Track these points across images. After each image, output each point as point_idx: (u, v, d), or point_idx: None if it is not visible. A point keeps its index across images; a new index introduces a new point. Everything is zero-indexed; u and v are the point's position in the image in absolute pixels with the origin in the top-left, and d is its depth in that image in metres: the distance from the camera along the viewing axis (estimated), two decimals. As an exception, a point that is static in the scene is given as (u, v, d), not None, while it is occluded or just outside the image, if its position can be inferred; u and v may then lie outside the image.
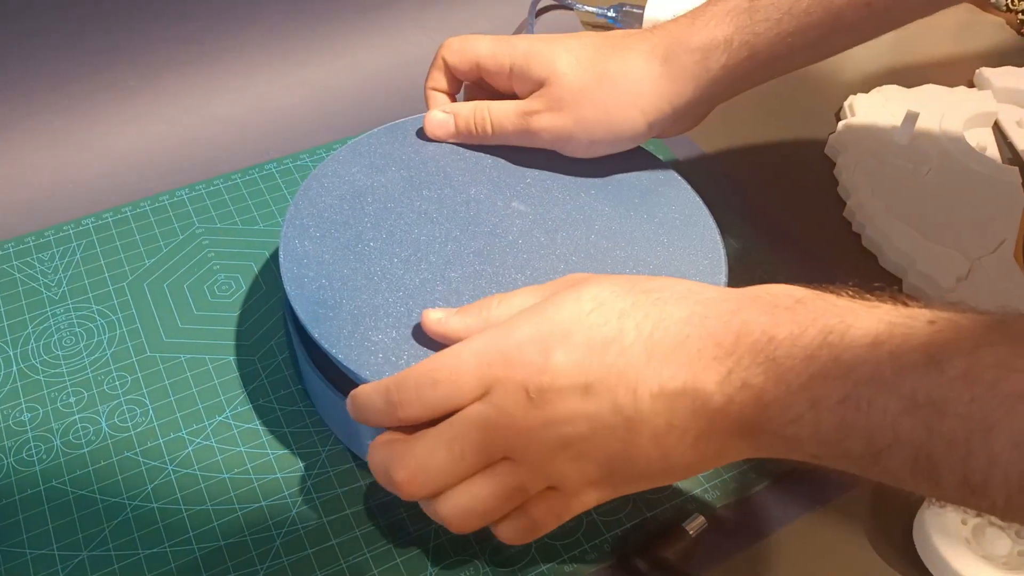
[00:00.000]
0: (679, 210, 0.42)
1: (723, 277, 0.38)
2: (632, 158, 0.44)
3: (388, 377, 0.32)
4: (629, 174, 0.43)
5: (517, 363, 0.30)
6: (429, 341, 0.35)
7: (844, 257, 0.47)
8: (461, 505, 0.31)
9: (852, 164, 0.50)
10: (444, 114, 0.43)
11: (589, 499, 0.32)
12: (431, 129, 0.43)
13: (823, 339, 0.27)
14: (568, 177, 0.43)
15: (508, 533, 0.32)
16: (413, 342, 0.35)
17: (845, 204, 0.50)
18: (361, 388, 0.33)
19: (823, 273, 0.46)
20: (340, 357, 0.35)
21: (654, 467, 0.30)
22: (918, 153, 0.51)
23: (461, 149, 0.44)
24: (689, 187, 0.43)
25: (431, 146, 0.44)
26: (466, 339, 0.32)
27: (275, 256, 0.46)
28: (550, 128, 0.41)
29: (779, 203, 0.50)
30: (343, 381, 0.36)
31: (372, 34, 0.56)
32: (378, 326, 0.36)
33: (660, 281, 0.32)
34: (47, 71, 0.50)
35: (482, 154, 0.44)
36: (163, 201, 0.49)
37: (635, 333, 0.30)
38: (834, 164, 0.52)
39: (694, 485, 0.38)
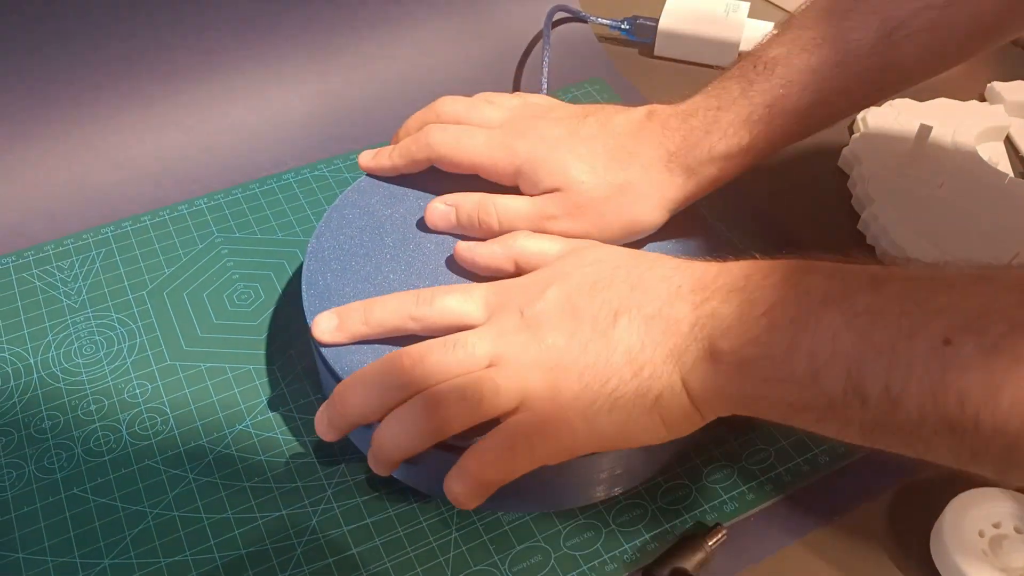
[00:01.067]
0: (698, 243, 0.42)
1: None
2: None
3: (411, 291, 0.37)
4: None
5: (518, 293, 0.35)
6: None
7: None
8: (434, 392, 0.33)
9: (866, 177, 0.51)
10: (445, 206, 0.41)
11: (561, 432, 0.32)
12: (431, 219, 0.41)
13: (789, 274, 0.31)
14: None
15: (480, 456, 0.33)
16: None
17: (859, 216, 0.50)
18: (384, 298, 0.37)
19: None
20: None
21: (626, 388, 0.32)
22: (931, 166, 0.51)
23: (478, 178, 0.44)
24: (706, 219, 0.43)
25: (451, 174, 0.45)
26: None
27: (294, 265, 0.47)
28: (568, 232, 0.40)
29: (793, 215, 0.51)
30: None
31: (389, 45, 0.57)
32: None
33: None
34: (66, 80, 0.51)
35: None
36: (182, 210, 0.50)
37: (624, 275, 0.34)
38: (847, 177, 0.53)
39: (713, 496, 0.38)
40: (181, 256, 0.47)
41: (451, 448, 0.34)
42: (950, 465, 0.28)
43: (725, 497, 0.38)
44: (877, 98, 0.42)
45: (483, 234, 0.41)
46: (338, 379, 0.36)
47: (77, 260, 0.47)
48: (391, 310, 0.37)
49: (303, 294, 0.39)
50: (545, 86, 0.54)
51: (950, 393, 0.26)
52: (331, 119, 0.55)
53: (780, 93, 0.39)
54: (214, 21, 0.53)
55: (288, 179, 0.51)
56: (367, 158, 0.45)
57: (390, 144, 0.45)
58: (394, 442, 0.34)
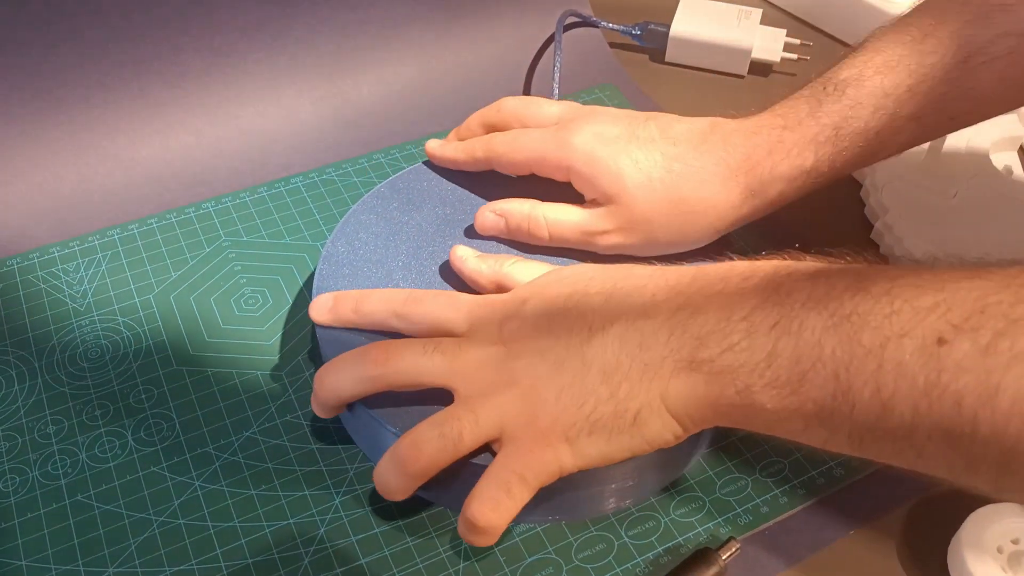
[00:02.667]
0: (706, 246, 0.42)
1: None
2: None
3: (405, 290, 0.38)
4: None
5: (499, 308, 0.35)
6: (443, 390, 0.35)
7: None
8: (414, 435, 0.33)
9: (879, 186, 0.50)
10: (495, 216, 0.41)
11: (547, 457, 0.32)
12: (481, 227, 0.42)
13: (769, 277, 0.30)
14: None
15: (480, 504, 0.32)
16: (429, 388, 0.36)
17: (873, 226, 0.50)
18: (380, 291, 0.38)
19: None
20: (379, 417, 0.36)
21: (604, 410, 0.31)
22: (945, 176, 0.51)
23: (498, 187, 0.44)
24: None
25: (468, 182, 0.45)
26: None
27: (302, 270, 0.46)
28: (617, 246, 0.40)
29: (806, 223, 0.50)
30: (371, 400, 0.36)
31: (399, 48, 0.56)
32: None
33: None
34: (73, 81, 0.50)
35: (521, 191, 0.44)
36: (189, 213, 0.49)
37: (599, 286, 0.34)
38: (860, 186, 0.52)
39: (726, 509, 0.37)
40: (188, 260, 0.47)
41: (472, 466, 0.34)
42: (942, 476, 0.27)
43: (739, 510, 0.37)
44: (949, 127, 0.40)
45: (533, 243, 0.41)
46: (372, 417, 0.36)
47: (83, 263, 0.47)
48: (380, 303, 0.37)
49: (313, 296, 0.39)
50: (556, 91, 0.53)
51: (946, 395, 0.25)
52: (341, 123, 0.54)
53: (848, 115, 0.37)
54: (224, 24, 0.52)
55: (297, 183, 0.51)
56: (434, 145, 0.45)
57: (448, 137, 0.46)
58: (384, 487, 0.34)
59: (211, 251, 0.47)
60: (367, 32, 0.56)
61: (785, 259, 0.32)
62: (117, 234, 0.48)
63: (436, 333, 0.36)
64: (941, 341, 0.25)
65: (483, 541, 0.33)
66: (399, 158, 0.53)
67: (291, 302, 0.45)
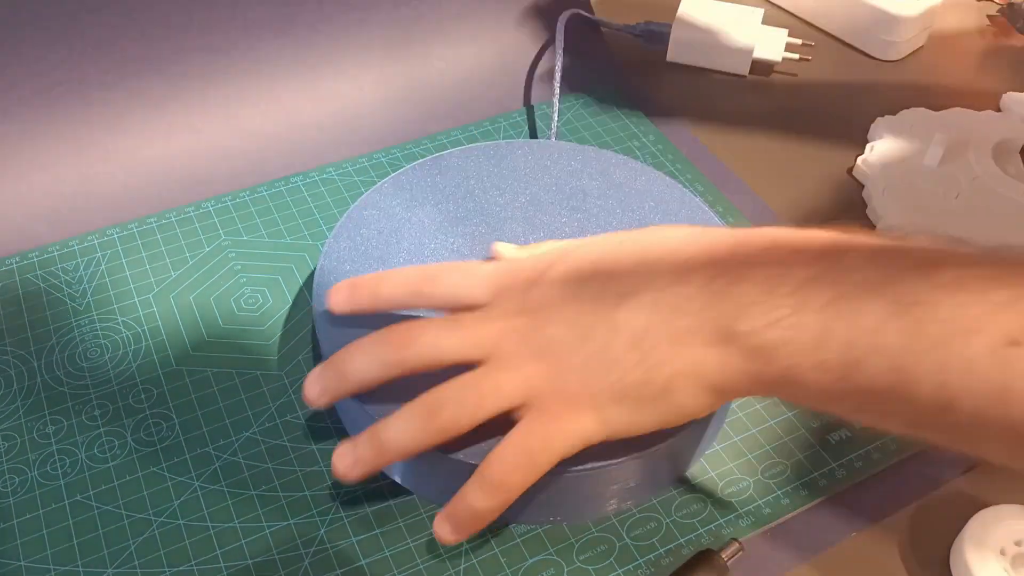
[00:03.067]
0: None
1: None
2: (672, 200, 0.44)
3: (421, 267, 0.36)
4: (667, 217, 0.43)
5: (521, 275, 0.33)
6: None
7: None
8: (436, 395, 0.32)
9: (880, 187, 0.50)
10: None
11: (573, 425, 0.31)
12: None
13: (823, 251, 0.28)
14: (605, 218, 0.43)
15: (491, 478, 0.32)
16: (425, 385, 0.36)
17: (875, 227, 0.49)
18: (395, 272, 0.36)
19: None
20: (359, 397, 0.35)
21: (632, 378, 0.30)
22: (947, 177, 0.51)
23: (501, 185, 0.44)
24: (716, 219, 0.43)
25: (471, 181, 0.45)
26: None
27: (302, 270, 0.46)
28: None
29: (808, 224, 0.50)
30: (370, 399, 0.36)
31: (398, 48, 0.56)
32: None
33: None
34: (73, 80, 0.50)
35: (520, 190, 0.44)
36: (189, 212, 0.49)
37: (630, 249, 0.32)
38: (862, 187, 0.52)
39: (729, 510, 0.37)
40: (188, 259, 0.47)
41: (472, 467, 0.34)
42: (998, 462, 0.26)
43: (741, 511, 0.37)
44: None
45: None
46: (351, 397, 0.36)
47: (82, 262, 0.46)
48: (398, 284, 0.36)
49: (314, 292, 0.39)
50: (557, 91, 0.53)
51: (1016, 401, 0.23)
52: (341, 122, 0.54)
53: None
54: (225, 23, 0.52)
55: (297, 182, 0.51)
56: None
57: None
58: (396, 443, 0.33)
59: (211, 250, 0.47)
60: (368, 31, 0.55)
61: (840, 231, 0.29)
62: (117, 233, 0.48)
63: (458, 307, 0.34)
64: (1014, 343, 0.23)
65: (493, 509, 0.32)
66: (400, 157, 0.52)
67: (291, 302, 0.45)
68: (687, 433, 0.35)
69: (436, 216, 0.43)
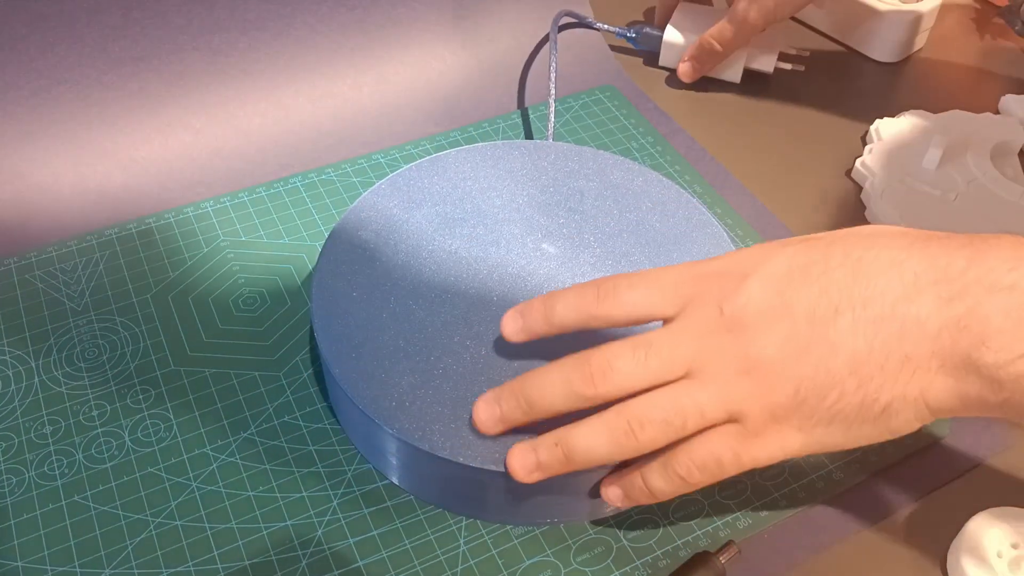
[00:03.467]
0: (708, 252, 0.41)
1: None
2: (670, 201, 0.44)
3: (591, 284, 0.33)
4: (665, 218, 0.43)
5: (714, 283, 0.31)
6: (441, 389, 0.36)
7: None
8: (637, 413, 0.31)
9: (879, 189, 0.50)
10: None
11: (773, 443, 0.30)
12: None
13: None
14: (602, 219, 0.43)
15: (677, 468, 0.31)
16: (426, 389, 0.36)
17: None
18: (564, 294, 0.34)
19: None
20: (356, 399, 0.35)
21: (848, 402, 0.28)
22: (945, 179, 0.51)
23: (499, 186, 0.44)
24: (725, 234, 0.42)
25: (469, 182, 0.45)
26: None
27: (300, 271, 0.46)
28: None
29: (806, 225, 0.50)
30: None
31: (398, 49, 0.56)
32: (395, 369, 0.36)
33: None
34: (72, 80, 0.50)
35: (518, 191, 0.44)
36: (187, 213, 0.49)
37: (841, 258, 0.29)
38: (860, 188, 0.52)
39: (726, 512, 0.37)
40: (186, 260, 0.47)
41: (468, 468, 0.34)
42: None
43: (738, 513, 0.37)
44: None
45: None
46: (348, 399, 0.36)
47: (80, 262, 0.46)
48: (571, 307, 0.33)
49: (312, 293, 0.39)
50: (553, 92, 0.53)
51: None
52: (340, 123, 0.54)
53: None
54: (224, 23, 0.52)
55: (295, 183, 0.51)
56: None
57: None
58: (587, 454, 0.32)
59: (209, 251, 0.47)
60: (366, 32, 0.56)
61: None
62: (115, 234, 0.48)
63: (641, 322, 0.32)
64: None
65: (666, 495, 0.32)
66: (398, 158, 0.52)
67: (289, 303, 0.45)
68: None
69: (434, 217, 0.43)
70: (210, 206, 0.49)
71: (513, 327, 0.35)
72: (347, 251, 0.41)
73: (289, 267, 0.46)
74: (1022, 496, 0.38)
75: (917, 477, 0.38)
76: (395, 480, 0.38)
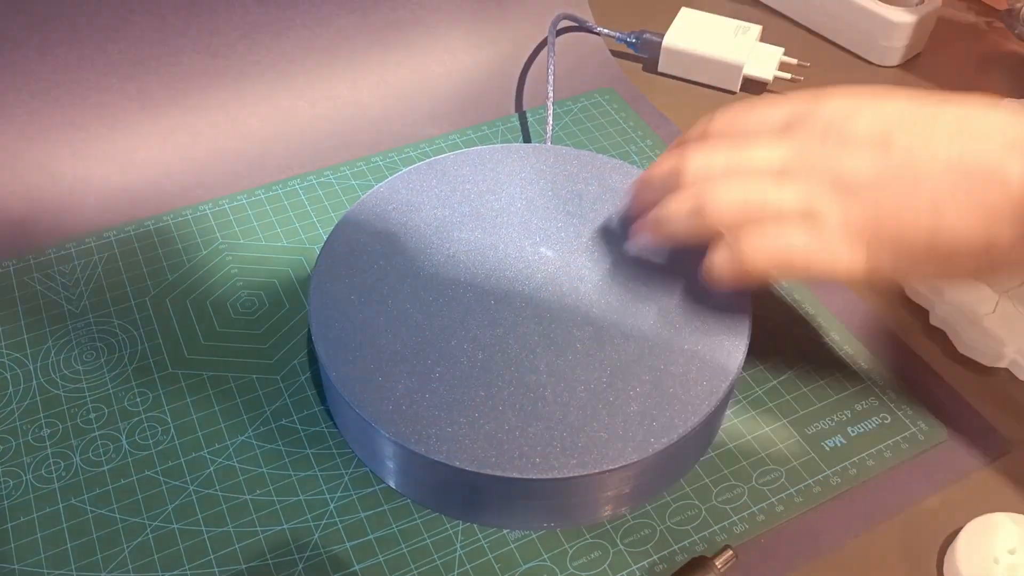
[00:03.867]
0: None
1: (745, 337, 0.38)
2: None
3: (729, 141, 0.36)
4: None
5: (827, 108, 0.34)
6: (438, 392, 0.36)
7: (871, 286, 0.47)
8: (736, 186, 0.34)
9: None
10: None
11: (841, 257, 0.33)
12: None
13: None
14: (600, 221, 0.43)
15: (760, 242, 0.34)
16: (424, 393, 0.36)
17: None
18: (663, 205, 0.37)
19: (849, 302, 0.46)
20: (353, 402, 0.36)
21: (920, 237, 0.31)
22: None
23: (497, 189, 0.44)
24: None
25: (468, 185, 0.45)
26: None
27: (299, 273, 0.46)
28: None
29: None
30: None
31: (397, 52, 0.56)
32: (392, 373, 0.36)
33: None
34: (71, 82, 0.50)
35: (516, 195, 0.44)
36: (186, 215, 0.49)
37: (952, 115, 0.32)
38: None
39: (722, 517, 0.37)
40: (185, 262, 0.47)
41: (465, 473, 0.34)
42: None
43: (735, 518, 0.37)
44: None
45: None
46: (345, 402, 0.36)
47: (79, 264, 0.46)
48: (676, 217, 0.36)
49: (310, 296, 0.39)
50: (551, 93, 0.53)
51: None
52: (339, 126, 0.54)
53: None
54: (223, 26, 0.52)
55: (294, 186, 0.51)
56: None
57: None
58: (669, 221, 0.36)
59: (208, 253, 0.47)
60: (365, 35, 0.56)
61: None
62: (113, 236, 0.48)
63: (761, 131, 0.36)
64: None
65: (724, 275, 0.35)
66: (397, 161, 0.52)
67: (287, 305, 0.45)
68: (683, 440, 0.35)
69: (432, 221, 0.43)
70: (208, 208, 0.49)
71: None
72: (345, 254, 0.41)
73: (287, 270, 0.46)
74: (1019, 501, 0.38)
75: (914, 482, 0.38)
76: (392, 484, 0.38)
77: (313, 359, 0.42)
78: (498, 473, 0.34)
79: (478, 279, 0.40)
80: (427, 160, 0.46)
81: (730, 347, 0.38)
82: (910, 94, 0.34)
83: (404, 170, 0.45)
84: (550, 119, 0.52)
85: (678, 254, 0.41)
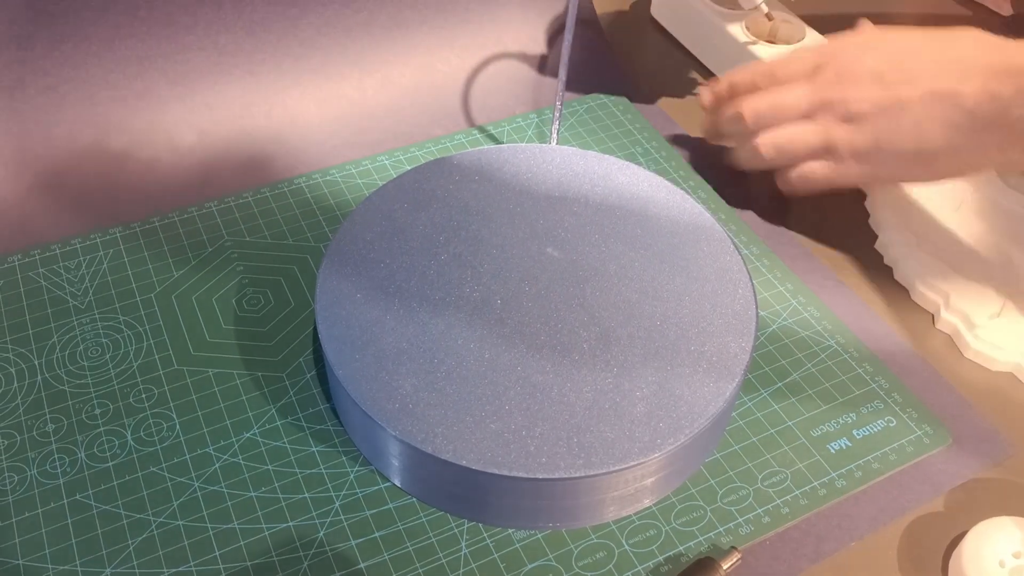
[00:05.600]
0: (715, 264, 0.41)
1: (751, 339, 0.38)
2: (675, 205, 0.44)
3: (761, 62, 0.49)
4: (670, 223, 0.43)
5: (839, 56, 0.45)
6: (445, 391, 0.36)
7: (876, 290, 0.47)
8: (777, 134, 0.46)
9: (884, 197, 0.50)
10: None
11: (853, 172, 0.45)
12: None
13: None
14: (606, 222, 0.43)
15: (790, 175, 0.47)
16: (430, 391, 0.36)
17: (877, 237, 0.50)
18: (740, 70, 0.49)
19: (855, 305, 0.46)
20: (359, 400, 0.36)
21: (908, 146, 0.42)
22: (949, 189, 0.51)
23: (504, 189, 0.45)
24: (729, 240, 0.42)
25: (475, 184, 0.45)
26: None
27: (304, 271, 0.46)
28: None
29: (810, 234, 0.50)
30: None
31: (403, 51, 0.56)
32: (399, 371, 0.37)
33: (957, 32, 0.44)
34: (78, 79, 0.50)
35: (524, 194, 0.44)
36: (192, 213, 0.49)
37: (930, 51, 0.42)
38: (866, 196, 0.52)
39: (728, 519, 0.37)
40: (190, 259, 0.47)
41: (471, 472, 0.34)
42: None
43: (740, 520, 0.37)
44: None
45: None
46: (351, 400, 0.36)
47: (84, 260, 0.46)
48: (748, 72, 0.48)
49: (316, 294, 0.39)
50: (561, 93, 0.53)
51: None
52: (345, 124, 0.54)
53: None
54: (230, 24, 0.52)
55: (300, 184, 0.51)
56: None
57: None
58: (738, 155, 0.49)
59: (213, 251, 0.47)
60: (372, 34, 0.56)
61: None
62: (120, 232, 0.48)
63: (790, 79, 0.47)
64: None
65: (752, 156, 0.47)
66: (403, 160, 0.52)
67: (293, 303, 0.45)
68: (689, 441, 0.35)
69: (439, 219, 0.43)
70: (215, 206, 0.49)
71: (708, 98, 0.50)
72: (351, 252, 0.41)
73: (293, 268, 0.46)
74: (1023, 505, 0.38)
75: (918, 485, 0.38)
76: (398, 483, 0.38)
77: (318, 357, 0.42)
78: (504, 472, 0.34)
79: (485, 278, 0.40)
80: (434, 159, 0.46)
81: (736, 349, 0.38)
82: (904, 33, 0.44)
83: (410, 169, 0.46)
84: (557, 119, 0.52)
85: (685, 256, 0.41)
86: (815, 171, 0.46)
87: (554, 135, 0.51)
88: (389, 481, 0.38)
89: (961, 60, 0.41)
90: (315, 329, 0.42)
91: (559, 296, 0.40)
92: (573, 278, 0.40)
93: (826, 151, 0.45)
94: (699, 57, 0.62)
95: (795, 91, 0.46)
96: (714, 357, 0.37)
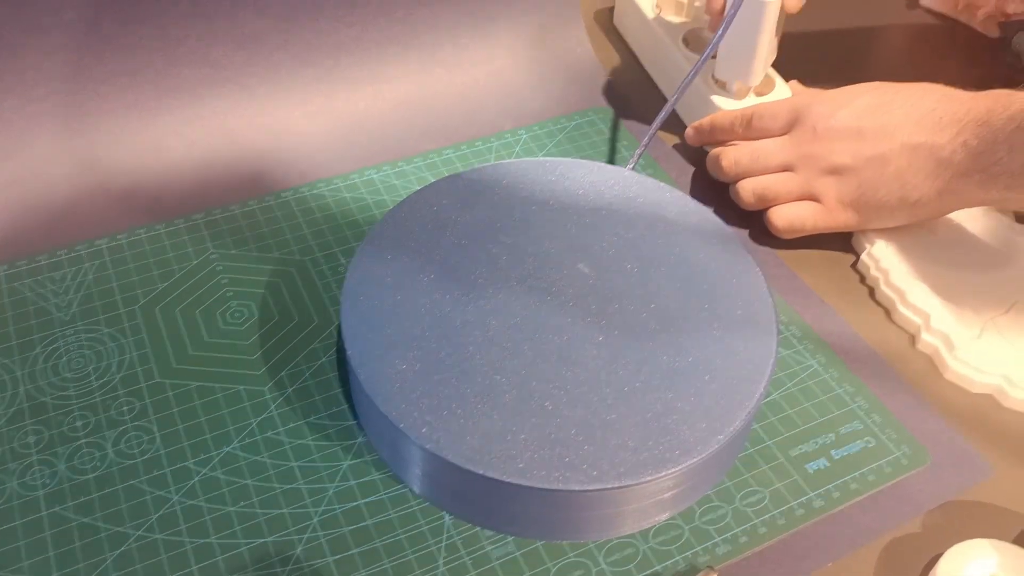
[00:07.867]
0: (744, 304, 0.41)
1: (763, 385, 0.38)
2: (716, 242, 0.44)
3: (741, 109, 0.52)
4: (706, 257, 0.43)
5: (815, 111, 0.48)
6: (451, 388, 0.36)
7: (857, 309, 0.47)
8: (757, 182, 0.49)
9: (867, 217, 0.51)
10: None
11: (839, 219, 0.48)
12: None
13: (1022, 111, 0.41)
14: (644, 248, 0.43)
15: (773, 220, 0.49)
16: (440, 387, 0.36)
17: (859, 256, 0.50)
18: (721, 114, 0.53)
19: (836, 324, 0.46)
20: (366, 387, 0.36)
21: (891, 197, 0.46)
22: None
23: (552, 201, 0.45)
24: (765, 285, 0.42)
25: (524, 192, 0.45)
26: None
27: (289, 285, 0.46)
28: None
29: (792, 253, 0.50)
30: None
31: (393, 66, 0.57)
32: (405, 357, 0.37)
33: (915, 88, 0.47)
34: (67, 90, 0.50)
35: (569, 210, 0.44)
36: (178, 225, 0.49)
37: (901, 105, 0.46)
38: (849, 216, 0.52)
39: (705, 538, 0.37)
40: (175, 271, 0.47)
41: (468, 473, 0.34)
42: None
43: (718, 539, 0.37)
44: None
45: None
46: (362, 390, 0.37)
47: (70, 272, 0.47)
48: (726, 131, 0.52)
49: (348, 269, 0.40)
50: (655, 128, 0.52)
51: None
52: (333, 138, 0.54)
53: None
54: (221, 37, 0.52)
55: (287, 197, 0.51)
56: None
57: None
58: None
59: (198, 263, 0.47)
60: (363, 49, 0.56)
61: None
62: (105, 244, 0.48)
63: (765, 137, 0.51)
64: None
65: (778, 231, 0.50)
66: (391, 174, 0.53)
67: (277, 317, 0.45)
68: (694, 470, 0.35)
69: (481, 220, 0.43)
70: (201, 218, 0.50)
71: (692, 137, 0.54)
72: (392, 238, 0.42)
73: (278, 281, 0.46)
74: (1000, 527, 0.38)
75: (896, 506, 0.39)
76: (416, 489, 0.38)
77: (300, 371, 0.42)
78: (503, 478, 0.34)
79: (511, 283, 0.40)
80: (494, 163, 0.46)
81: (743, 396, 0.37)
82: (873, 88, 0.47)
83: (472, 168, 0.46)
84: (643, 146, 0.51)
85: (716, 295, 0.41)
86: (804, 220, 0.48)
87: (633, 162, 0.50)
88: (368, 497, 0.38)
89: (933, 112, 0.44)
90: (338, 329, 0.42)
91: (579, 313, 0.39)
92: (599, 296, 0.40)
93: (809, 200, 0.48)
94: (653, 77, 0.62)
95: (774, 144, 0.49)
96: (719, 402, 0.37)
